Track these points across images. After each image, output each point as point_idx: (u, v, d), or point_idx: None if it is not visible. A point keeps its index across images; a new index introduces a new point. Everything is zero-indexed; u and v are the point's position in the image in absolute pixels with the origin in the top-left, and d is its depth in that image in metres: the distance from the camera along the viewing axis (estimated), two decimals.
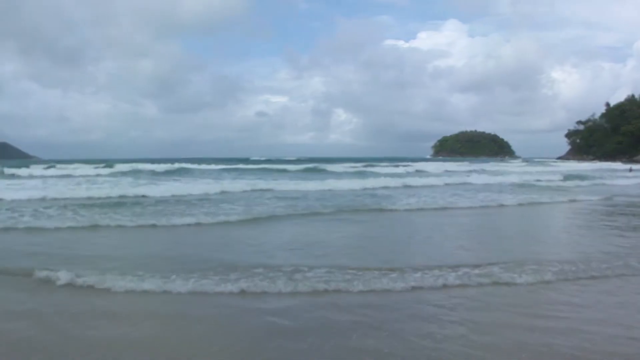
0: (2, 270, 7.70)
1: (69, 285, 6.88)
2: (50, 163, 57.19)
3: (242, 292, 6.59)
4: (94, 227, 12.15)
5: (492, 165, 58.83)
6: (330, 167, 46.54)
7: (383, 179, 28.12)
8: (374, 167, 48.92)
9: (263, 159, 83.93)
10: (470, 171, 42.61)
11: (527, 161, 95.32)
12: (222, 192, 20.88)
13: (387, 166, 50.10)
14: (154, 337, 5.30)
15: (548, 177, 32.92)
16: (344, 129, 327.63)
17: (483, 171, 43.10)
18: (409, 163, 59.25)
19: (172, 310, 6.14)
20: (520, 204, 18.19)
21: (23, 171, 34.94)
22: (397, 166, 49.66)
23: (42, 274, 7.22)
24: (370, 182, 25.90)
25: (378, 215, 15.37)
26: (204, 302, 6.39)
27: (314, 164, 52.30)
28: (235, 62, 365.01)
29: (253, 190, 21.90)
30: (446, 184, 26.78)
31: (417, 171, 43.08)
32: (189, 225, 12.63)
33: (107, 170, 37.91)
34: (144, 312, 6.09)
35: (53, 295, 6.60)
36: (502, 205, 18.00)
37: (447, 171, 43.51)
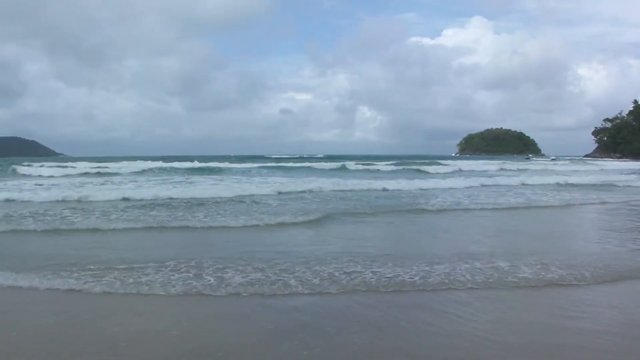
0: None
1: None
2: (82, 160, 56.75)
3: None
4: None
5: (530, 164, 56.08)
6: (375, 166, 44.53)
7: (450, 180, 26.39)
8: (415, 165, 47.06)
9: (295, 156, 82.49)
10: (517, 170, 40.36)
11: (555, 159, 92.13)
12: (280, 193, 19.71)
13: (428, 164, 47.98)
14: None
15: (616, 178, 30.58)
16: (368, 127, 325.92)
17: (534, 171, 40.55)
18: (447, 161, 56.94)
19: None
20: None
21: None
22: (436, 164, 47.58)
23: None
24: (449, 182, 24.28)
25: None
26: None
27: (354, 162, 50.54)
28: (259, 60, 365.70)
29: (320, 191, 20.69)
30: (523, 184, 25.22)
31: (460, 170, 40.88)
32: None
33: (138, 167, 36.79)
34: None
35: None
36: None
37: (501, 170, 41.16)
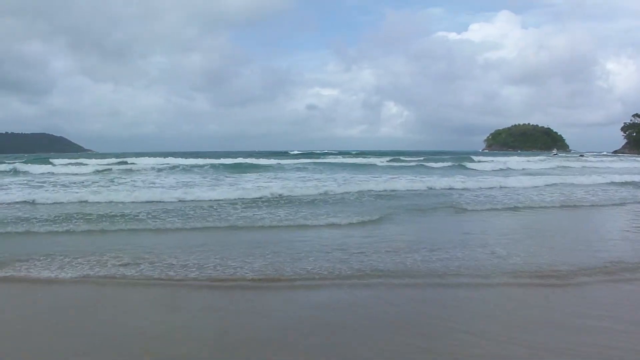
0: None
1: None
2: (109, 156, 56.61)
3: None
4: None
5: (567, 161, 53.98)
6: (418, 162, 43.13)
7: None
8: (451, 161, 45.74)
9: (331, 152, 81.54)
10: (559, 167, 38.52)
11: (582, 155, 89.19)
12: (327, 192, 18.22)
13: (469, 160, 46.46)
14: None
15: None
16: (394, 123, 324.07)
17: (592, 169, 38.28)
18: (488, 158, 54.72)
19: None
20: None
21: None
22: (470, 161, 46.17)
23: None
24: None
25: None
26: None
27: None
28: (283, 55, 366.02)
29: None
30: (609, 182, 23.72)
31: (509, 169, 37.94)
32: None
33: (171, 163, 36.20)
34: None
35: None
36: None
37: (558, 167, 39.04)
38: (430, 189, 20.03)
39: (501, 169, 35.52)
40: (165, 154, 66.28)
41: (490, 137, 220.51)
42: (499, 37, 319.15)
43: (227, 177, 27.17)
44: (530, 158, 54.22)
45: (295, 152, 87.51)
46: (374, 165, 38.79)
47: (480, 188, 20.41)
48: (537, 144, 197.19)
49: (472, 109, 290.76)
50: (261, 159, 43.84)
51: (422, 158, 57.07)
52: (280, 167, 36.30)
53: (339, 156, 60.96)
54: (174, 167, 33.98)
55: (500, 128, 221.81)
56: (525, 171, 33.62)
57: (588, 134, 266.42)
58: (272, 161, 41.28)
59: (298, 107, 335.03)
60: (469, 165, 38.26)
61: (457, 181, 21.96)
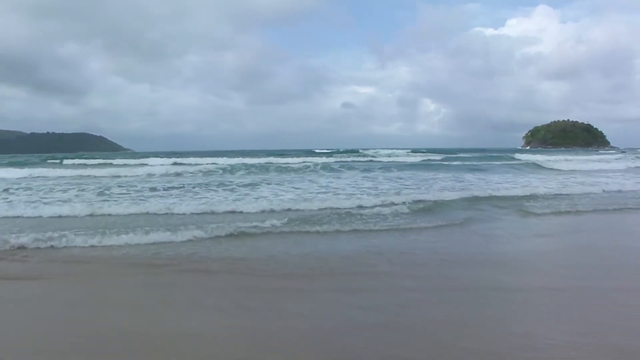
0: None
1: None
2: (149, 154, 56.78)
3: None
4: None
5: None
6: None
7: None
8: (504, 160, 44.40)
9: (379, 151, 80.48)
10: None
11: (625, 152, 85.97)
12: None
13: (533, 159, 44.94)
14: None
15: None
16: (432, 120, 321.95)
17: None
18: (554, 157, 53.04)
19: None
20: None
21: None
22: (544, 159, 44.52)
23: None
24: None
25: None
26: None
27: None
28: (318, 53, 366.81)
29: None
30: None
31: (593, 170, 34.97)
32: None
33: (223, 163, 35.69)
34: None
35: None
36: None
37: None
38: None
39: (581, 170, 33.21)
40: (212, 153, 66.37)
41: (529, 134, 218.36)
42: (537, 31, 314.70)
43: (334, 176, 26.77)
44: (591, 157, 52.51)
45: (339, 149, 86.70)
46: (442, 165, 37.46)
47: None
48: (577, 141, 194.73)
49: (509, 106, 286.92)
50: (329, 158, 43.63)
51: (469, 155, 55.98)
52: (361, 167, 34.75)
53: (380, 154, 59.63)
54: (276, 167, 33.23)
55: (539, 125, 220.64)
56: (610, 172, 31.73)
57: (630, 129, 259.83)
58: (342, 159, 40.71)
59: (334, 105, 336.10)
60: (542, 164, 36.74)
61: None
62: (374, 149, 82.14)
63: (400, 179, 24.45)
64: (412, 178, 24.82)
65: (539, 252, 9.52)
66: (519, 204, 15.05)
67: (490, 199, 16.13)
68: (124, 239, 9.65)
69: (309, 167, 32.71)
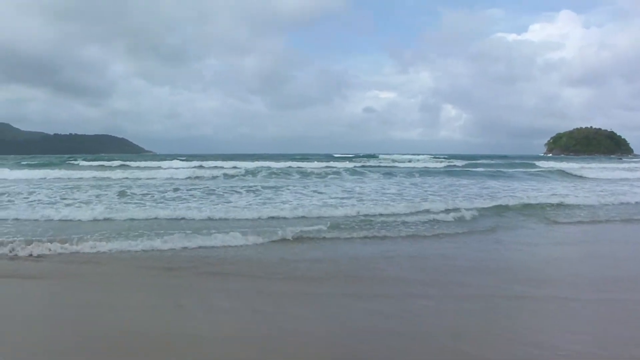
0: None
1: None
2: (170, 157, 57.04)
3: None
4: None
5: None
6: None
7: None
8: (526, 168, 43.67)
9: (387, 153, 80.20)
10: None
11: None
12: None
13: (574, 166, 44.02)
14: None
15: None
16: (453, 125, 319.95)
17: None
18: (581, 164, 51.86)
19: None
20: None
21: None
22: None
23: None
24: None
25: None
26: None
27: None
28: (339, 57, 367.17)
29: None
30: None
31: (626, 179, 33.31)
32: None
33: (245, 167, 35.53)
34: None
35: None
36: None
37: None
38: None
39: (607, 178, 32.10)
40: (232, 157, 66.51)
41: (551, 140, 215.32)
42: (560, 37, 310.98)
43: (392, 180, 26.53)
44: (618, 165, 51.49)
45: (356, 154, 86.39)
46: (465, 171, 36.75)
47: None
48: (600, 148, 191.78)
49: (531, 112, 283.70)
50: (350, 163, 43.29)
51: (492, 162, 55.31)
52: (383, 172, 34.07)
53: (401, 160, 59.18)
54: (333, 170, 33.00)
55: (561, 131, 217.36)
56: (636, 180, 30.54)
57: None
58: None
59: (355, 109, 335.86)
60: (567, 171, 36.17)
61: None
62: (395, 154, 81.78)
63: (425, 185, 24.14)
64: (437, 184, 24.51)
65: (558, 261, 9.41)
66: (546, 213, 14.79)
67: (516, 206, 15.76)
68: (144, 244, 9.56)
69: (329, 172, 32.45)
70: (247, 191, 19.47)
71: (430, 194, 19.53)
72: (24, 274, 7.78)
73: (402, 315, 5.94)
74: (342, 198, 17.79)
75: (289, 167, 36.66)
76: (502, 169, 39.70)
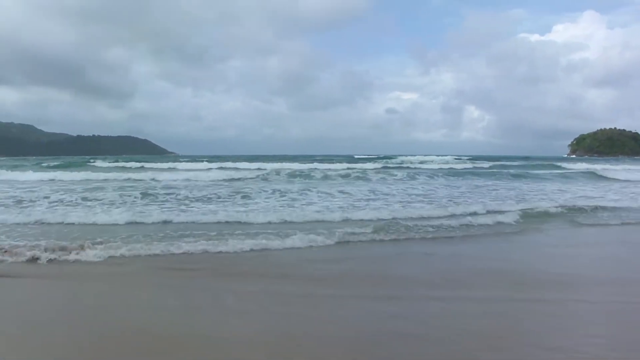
0: None
1: None
2: (190, 159, 57.08)
3: None
4: None
5: None
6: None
7: None
8: (552, 169, 42.82)
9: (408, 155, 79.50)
10: None
11: None
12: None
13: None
14: None
15: None
16: (476, 127, 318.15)
17: None
18: (616, 166, 50.44)
19: None
20: None
21: None
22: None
23: None
24: None
25: None
26: None
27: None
28: (363, 59, 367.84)
29: None
30: None
31: None
32: None
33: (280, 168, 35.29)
34: None
35: None
36: None
37: None
38: None
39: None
40: (256, 158, 66.66)
41: (574, 142, 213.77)
42: (584, 37, 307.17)
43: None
44: None
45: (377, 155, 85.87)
46: (492, 172, 35.97)
47: None
48: (624, 149, 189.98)
49: (554, 113, 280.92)
50: (374, 164, 42.91)
51: (517, 163, 54.50)
52: (410, 174, 33.40)
53: (426, 161, 58.38)
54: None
55: (585, 133, 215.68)
56: None
57: None
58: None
59: (378, 111, 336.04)
60: (598, 172, 35.34)
61: None
62: (418, 155, 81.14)
63: (453, 186, 23.72)
64: (465, 185, 24.11)
65: (583, 263, 9.22)
66: (576, 215, 14.40)
67: (549, 209, 15.27)
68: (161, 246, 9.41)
69: (356, 173, 32.12)
70: (274, 192, 19.36)
71: (462, 195, 19.20)
72: (45, 274, 7.82)
73: (417, 317, 5.94)
74: (369, 199, 17.61)
75: (315, 168, 36.50)
76: (529, 170, 39.10)
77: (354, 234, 10.81)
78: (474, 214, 13.76)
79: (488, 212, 13.92)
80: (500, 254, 9.91)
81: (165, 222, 12.43)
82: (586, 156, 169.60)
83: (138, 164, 43.65)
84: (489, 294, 6.86)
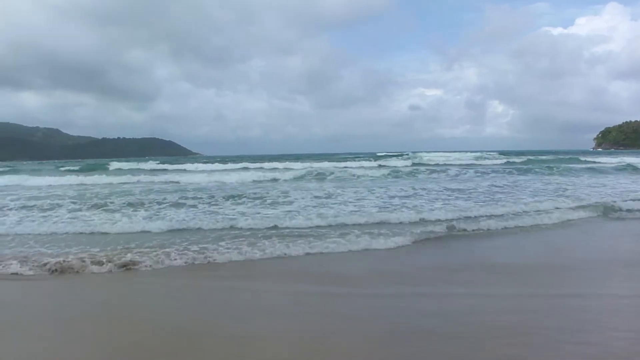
0: None
1: None
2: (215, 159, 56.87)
3: None
4: None
5: None
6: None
7: None
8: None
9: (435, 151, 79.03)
10: None
11: None
12: None
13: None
14: None
15: None
16: (500, 122, 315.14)
17: None
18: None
19: None
20: None
21: None
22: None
23: None
24: None
25: None
26: None
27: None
28: (384, 56, 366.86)
29: None
30: None
31: None
32: None
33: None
34: None
35: None
36: None
37: None
38: None
39: None
40: (282, 157, 66.77)
41: (600, 135, 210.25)
42: (607, 30, 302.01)
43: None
44: None
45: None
46: (527, 168, 35.00)
47: None
48: None
49: (578, 106, 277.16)
50: (402, 161, 42.71)
51: (548, 157, 53.88)
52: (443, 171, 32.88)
53: (455, 158, 57.87)
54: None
55: (610, 125, 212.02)
56: None
57: None
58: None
59: (401, 108, 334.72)
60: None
61: None
62: (445, 151, 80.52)
63: (495, 185, 23.43)
64: (506, 183, 23.74)
65: (624, 259, 9.07)
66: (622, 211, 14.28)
67: (600, 204, 15.10)
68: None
69: (390, 172, 32.06)
70: (329, 194, 19.11)
71: (499, 191, 19.11)
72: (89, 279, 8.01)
73: (446, 315, 5.92)
74: (438, 198, 17.44)
75: (345, 167, 36.47)
76: (566, 164, 38.69)
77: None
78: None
79: (557, 208, 13.97)
80: (540, 250, 9.90)
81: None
82: (612, 149, 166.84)
83: (177, 166, 43.99)
84: (516, 290, 6.92)
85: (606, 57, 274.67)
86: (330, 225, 11.95)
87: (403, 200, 16.63)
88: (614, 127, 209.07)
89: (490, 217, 12.88)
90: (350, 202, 16.25)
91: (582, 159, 48.55)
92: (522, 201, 15.95)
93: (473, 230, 11.41)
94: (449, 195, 18.04)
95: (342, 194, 18.46)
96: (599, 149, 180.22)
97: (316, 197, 17.56)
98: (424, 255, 9.51)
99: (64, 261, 8.41)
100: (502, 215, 13.19)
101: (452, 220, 12.27)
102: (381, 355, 4.80)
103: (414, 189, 20.17)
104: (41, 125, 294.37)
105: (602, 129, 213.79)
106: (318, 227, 11.84)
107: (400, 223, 12.27)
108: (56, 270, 8.13)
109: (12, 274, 8.05)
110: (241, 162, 47.17)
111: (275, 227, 11.87)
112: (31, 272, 8.07)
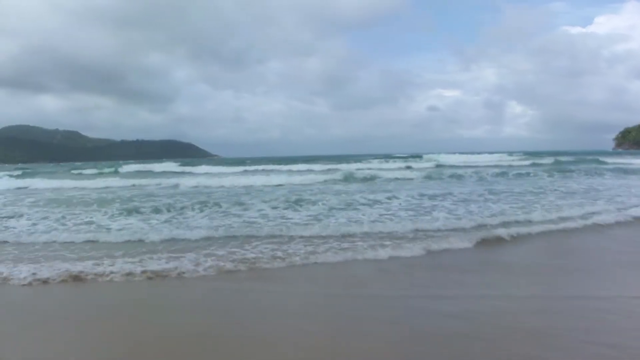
0: None
1: None
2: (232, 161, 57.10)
3: None
4: None
5: None
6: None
7: None
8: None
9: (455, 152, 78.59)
10: None
11: None
12: None
13: None
14: None
15: None
16: (519, 122, 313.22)
17: None
18: None
19: None
20: None
21: None
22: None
23: None
24: None
25: None
26: None
27: None
28: (401, 57, 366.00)
29: None
30: None
31: None
32: None
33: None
34: None
35: None
36: None
37: None
38: None
39: None
40: (302, 159, 66.89)
41: (619, 135, 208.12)
42: (627, 28, 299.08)
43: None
44: None
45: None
46: (557, 169, 33.81)
47: None
48: None
49: (597, 106, 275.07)
50: (424, 163, 42.61)
51: (571, 159, 53.36)
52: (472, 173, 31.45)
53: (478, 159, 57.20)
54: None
55: (630, 125, 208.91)
56: None
57: None
58: None
59: (419, 108, 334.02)
60: None
61: None
62: (465, 152, 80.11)
63: (541, 188, 23.21)
64: (544, 185, 23.54)
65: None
66: None
67: None
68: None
69: (422, 174, 31.92)
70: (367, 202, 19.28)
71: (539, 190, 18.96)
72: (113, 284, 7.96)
73: (467, 317, 5.95)
74: (436, 197, 17.53)
75: (378, 168, 36.60)
76: (594, 165, 38.31)
77: None
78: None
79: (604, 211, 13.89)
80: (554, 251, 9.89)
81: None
82: (633, 150, 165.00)
83: (201, 169, 44.40)
84: (540, 292, 6.98)
85: (626, 56, 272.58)
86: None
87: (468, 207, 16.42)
88: (633, 127, 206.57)
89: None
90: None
91: (609, 160, 47.66)
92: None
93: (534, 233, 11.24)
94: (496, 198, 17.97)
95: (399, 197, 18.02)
96: (619, 149, 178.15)
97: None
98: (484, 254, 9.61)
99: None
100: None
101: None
102: (402, 356, 4.92)
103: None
104: (61, 128, 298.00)
105: (622, 129, 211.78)
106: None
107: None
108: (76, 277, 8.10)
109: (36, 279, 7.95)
110: (264, 165, 47.39)
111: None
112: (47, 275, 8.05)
